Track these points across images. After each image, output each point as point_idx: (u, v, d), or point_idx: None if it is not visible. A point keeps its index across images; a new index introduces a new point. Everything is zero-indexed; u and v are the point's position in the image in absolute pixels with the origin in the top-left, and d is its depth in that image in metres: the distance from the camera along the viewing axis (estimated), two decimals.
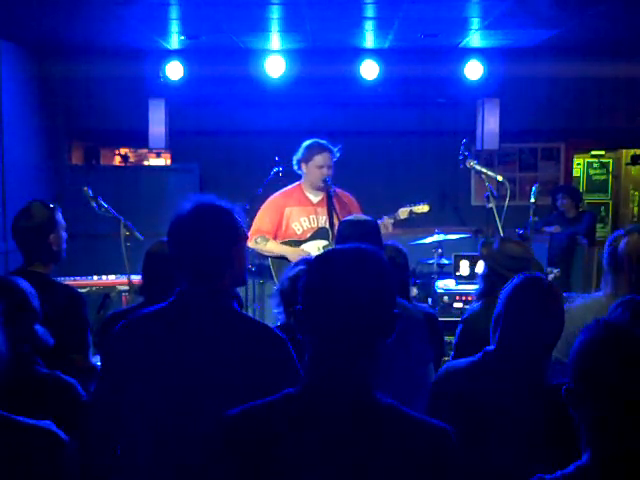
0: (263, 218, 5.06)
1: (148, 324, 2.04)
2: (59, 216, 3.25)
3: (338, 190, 4.95)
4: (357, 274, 1.45)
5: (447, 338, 4.97)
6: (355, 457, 1.40)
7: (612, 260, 2.94)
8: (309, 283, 1.49)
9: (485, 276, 3.30)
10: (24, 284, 2.33)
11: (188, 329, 1.97)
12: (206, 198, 2.07)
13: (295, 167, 5.02)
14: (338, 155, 4.98)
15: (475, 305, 3.37)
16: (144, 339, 2.00)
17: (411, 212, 5.02)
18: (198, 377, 1.91)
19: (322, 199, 4.98)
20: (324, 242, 4.91)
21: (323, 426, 1.42)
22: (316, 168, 4.89)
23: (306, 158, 4.92)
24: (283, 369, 1.88)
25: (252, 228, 5.09)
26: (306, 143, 4.97)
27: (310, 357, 1.48)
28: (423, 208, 5.05)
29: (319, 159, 4.88)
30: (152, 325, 2.03)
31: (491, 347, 2.29)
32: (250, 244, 5.07)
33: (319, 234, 4.96)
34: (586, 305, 3.00)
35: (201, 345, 1.95)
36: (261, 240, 4.99)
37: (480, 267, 3.42)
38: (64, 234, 3.27)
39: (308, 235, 4.97)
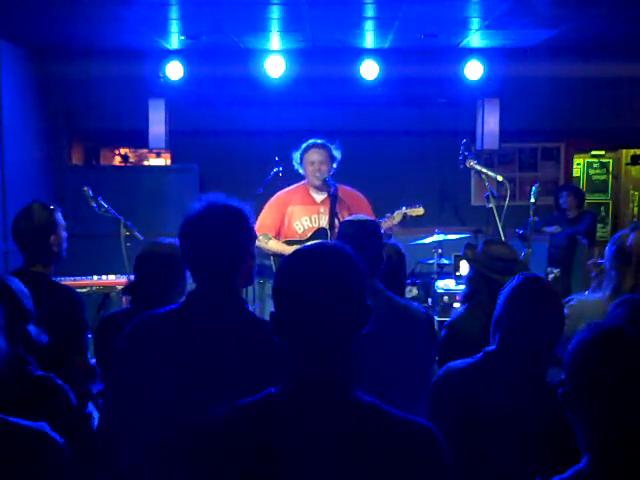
0: (266, 216, 5.08)
1: (160, 325, 2.02)
2: (59, 216, 3.24)
3: (344, 188, 4.95)
4: (321, 271, 1.45)
5: None
6: (339, 457, 1.40)
7: (620, 256, 2.95)
8: (277, 286, 1.49)
9: (470, 279, 3.28)
10: (15, 284, 2.32)
11: (202, 330, 1.96)
12: (217, 198, 2.06)
13: (300, 170, 5.05)
14: (339, 153, 4.98)
15: (459, 309, 3.34)
16: (157, 340, 1.99)
17: (405, 215, 5.03)
18: (213, 378, 1.90)
19: (326, 198, 4.98)
20: None
21: (305, 426, 1.42)
22: (309, 165, 4.93)
23: (300, 158, 4.96)
24: None
25: (256, 225, 5.10)
26: (302, 145, 5.01)
27: (289, 357, 1.48)
28: (418, 211, 5.05)
29: (309, 156, 4.93)
30: (164, 326, 2.01)
31: (491, 347, 2.28)
32: None
33: (318, 234, 4.96)
34: (587, 305, 3.00)
35: (214, 346, 1.94)
36: (263, 238, 5.00)
37: (465, 269, 3.40)
38: (64, 233, 3.27)
39: (309, 235, 4.97)
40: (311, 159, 4.92)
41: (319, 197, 5.03)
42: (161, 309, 2.08)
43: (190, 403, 1.90)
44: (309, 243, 1.59)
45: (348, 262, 1.49)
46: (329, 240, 4.81)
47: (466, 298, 3.28)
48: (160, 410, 1.94)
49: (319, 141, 4.97)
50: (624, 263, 2.95)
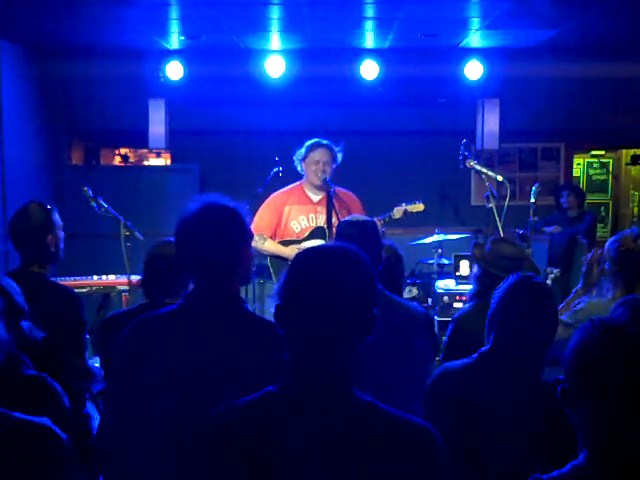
0: (262, 216, 5.07)
1: (159, 326, 2.02)
2: (56, 216, 3.23)
3: (339, 189, 4.95)
4: (336, 273, 1.44)
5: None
6: (337, 455, 1.40)
7: (629, 258, 2.92)
8: (288, 280, 1.49)
9: (478, 277, 3.29)
10: (5, 281, 2.31)
11: (201, 331, 1.96)
12: (212, 198, 2.05)
13: (298, 168, 5.04)
14: (340, 156, 4.99)
15: (467, 305, 3.37)
16: (155, 341, 1.98)
17: (405, 211, 5.03)
18: (214, 378, 1.90)
19: (323, 198, 4.97)
20: (321, 242, 4.88)
21: (304, 425, 1.43)
22: (312, 165, 4.91)
23: (303, 156, 4.95)
24: None
25: (251, 226, 5.10)
26: (306, 143, 5.00)
27: (289, 354, 1.48)
28: (418, 207, 5.06)
29: (315, 155, 4.91)
30: (163, 327, 2.01)
31: (486, 348, 2.28)
32: None
33: (316, 233, 4.95)
34: (599, 308, 2.98)
35: (214, 347, 1.93)
36: (259, 239, 5.00)
37: (473, 268, 3.42)
38: (61, 233, 3.26)
39: (306, 234, 4.97)
40: (316, 158, 4.91)
41: (316, 197, 5.03)
42: (159, 310, 2.07)
43: (192, 403, 1.89)
44: (310, 242, 1.59)
45: (360, 267, 1.48)
46: (327, 239, 4.82)
47: (474, 296, 3.30)
48: (162, 410, 1.93)
49: (324, 141, 4.97)
50: (636, 266, 2.91)
